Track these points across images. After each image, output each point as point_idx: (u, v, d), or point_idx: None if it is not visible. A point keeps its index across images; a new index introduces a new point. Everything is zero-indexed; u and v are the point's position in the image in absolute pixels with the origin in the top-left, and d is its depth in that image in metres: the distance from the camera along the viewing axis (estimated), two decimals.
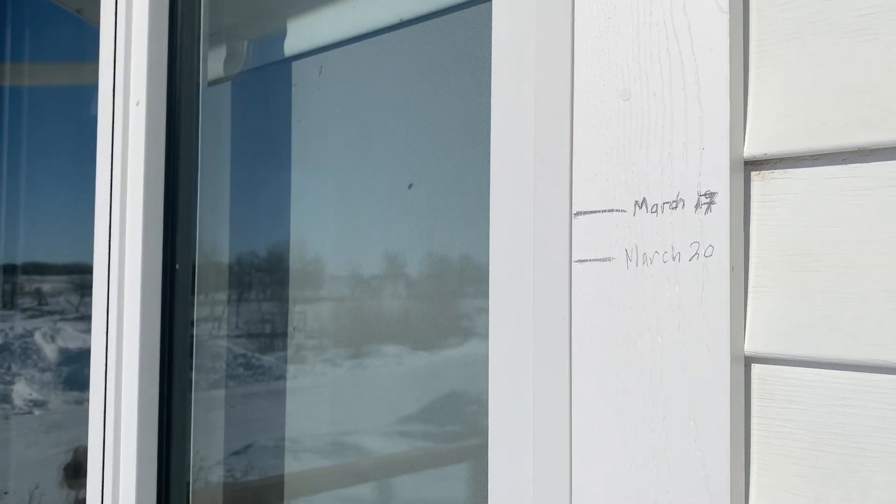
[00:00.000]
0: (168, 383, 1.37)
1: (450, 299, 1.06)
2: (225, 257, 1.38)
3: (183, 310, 1.34)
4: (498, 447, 0.78)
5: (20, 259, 2.90)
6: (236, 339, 1.46)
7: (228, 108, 1.36)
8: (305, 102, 1.25)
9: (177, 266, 1.28)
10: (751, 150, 0.66)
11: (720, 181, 0.65)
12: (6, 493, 2.87)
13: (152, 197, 1.27)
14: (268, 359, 1.44)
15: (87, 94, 1.87)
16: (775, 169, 0.66)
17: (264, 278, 1.39)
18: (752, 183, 0.67)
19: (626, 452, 0.69)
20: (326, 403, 1.26)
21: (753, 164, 0.67)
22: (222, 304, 1.42)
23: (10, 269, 2.97)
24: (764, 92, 0.66)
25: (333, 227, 1.22)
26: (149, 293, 1.29)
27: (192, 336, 1.39)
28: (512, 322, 0.77)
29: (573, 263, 0.73)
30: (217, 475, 1.46)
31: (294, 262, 1.29)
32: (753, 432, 0.67)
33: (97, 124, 1.32)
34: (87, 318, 2.79)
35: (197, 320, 1.39)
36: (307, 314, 1.30)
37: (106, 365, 1.38)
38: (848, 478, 0.62)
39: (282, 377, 1.34)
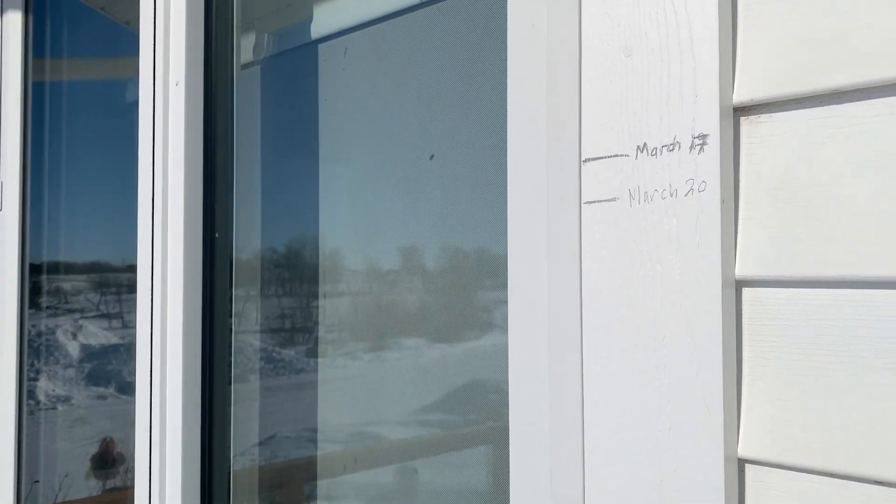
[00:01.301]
0: (209, 376, 1.47)
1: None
2: (259, 242, 1.49)
3: (221, 302, 1.46)
4: (517, 357, 0.89)
5: (44, 258, 2.98)
6: (269, 331, 1.57)
7: (259, 91, 1.47)
8: (332, 82, 1.36)
9: (216, 234, 1.40)
10: (739, 96, 0.76)
11: (711, 124, 0.75)
12: (36, 481, 2.96)
13: (192, 175, 1.39)
14: (319, 348, 1.53)
15: (113, 94, 1.98)
16: (761, 114, 0.76)
17: (299, 267, 1.49)
18: (741, 127, 0.77)
19: (632, 368, 0.80)
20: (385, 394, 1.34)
21: (742, 111, 0.77)
22: (255, 294, 1.52)
23: (35, 269, 3.05)
24: (750, 43, 0.76)
25: (364, 217, 1.32)
26: (191, 279, 1.40)
27: (231, 327, 1.50)
28: (529, 260, 0.87)
29: (583, 205, 0.83)
30: (254, 462, 1.56)
31: (328, 251, 1.39)
32: (744, 347, 0.77)
33: (136, 110, 1.44)
34: (107, 316, 2.91)
35: (234, 310, 1.50)
36: (341, 306, 1.39)
37: (151, 354, 1.48)
38: (825, 382, 0.72)
39: (333, 368, 1.43)
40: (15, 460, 2.36)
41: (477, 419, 1.13)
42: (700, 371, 0.76)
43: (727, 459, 0.75)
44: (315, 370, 1.44)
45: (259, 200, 1.47)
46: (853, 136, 0.71)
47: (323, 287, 1.40)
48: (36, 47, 2.13)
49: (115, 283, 2.46)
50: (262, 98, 1.46)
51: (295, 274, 1.50)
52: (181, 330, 1.43)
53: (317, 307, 1.42)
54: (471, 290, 1.15)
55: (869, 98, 0.70)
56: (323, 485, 1.44)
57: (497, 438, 1.09)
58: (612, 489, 0.81)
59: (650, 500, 0.79)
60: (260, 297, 1.52)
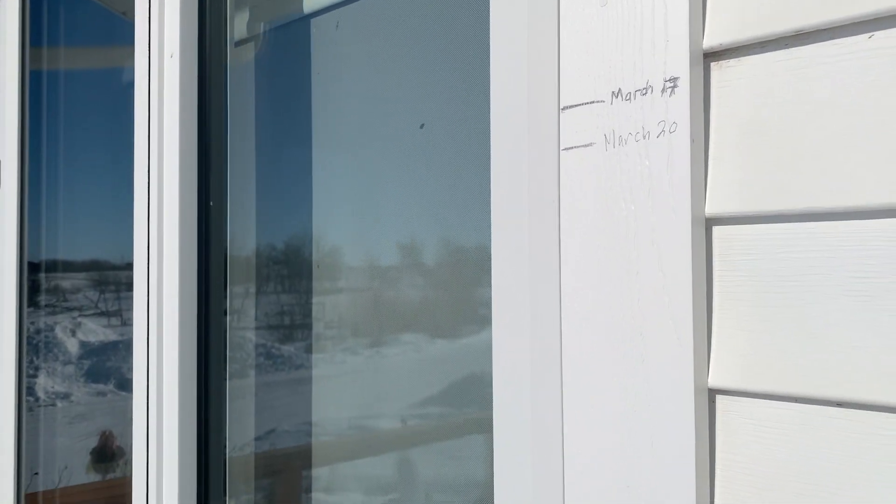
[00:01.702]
0: (205, 371, 1.52)
1: None
2: (253, 224, 1.53)
3: (217, 299, 1.50)
4: (499, 292, 0.93)
5: (42, 257, 3.00)
6: (265, 326, 1.60)
7: (252, 68, 1.51)
8: (324, 57, 1.41)
9: (210, 203, 1.44)
10: (709, 42, 0.81)
11: (681, 68, 0.79)
12: (35, 473, 2.99)
13: (187, 145, 1.43)
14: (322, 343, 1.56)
15: (111, 91, 2.01)
16: (730, 58, 0.80)
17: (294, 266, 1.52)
18: (711, 72, 0.81)
19: (606, 301, 0.83)
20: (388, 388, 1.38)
21: (712, 56, 0.81)
22: (251, 284, 1.56)
23: (34, 267, 3.06)
24: None
25: (360, 200, 1.36)
26: (186, 277, 1.44)
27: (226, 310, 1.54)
28: (510, 203, 0.91)
29: (561, 152, 0.87)
30: (249, 455, 1.59)
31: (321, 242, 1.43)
32: (715, 282, 0.80)
33: (132, 92, 1.48)
34: (106, 314, 2.94)
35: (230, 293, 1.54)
36: (339, 303, 1.43)
37: (148, 349, 1.52)
38: (790, 313, 0.76)
39: (332, 363, 1.47)
40: (15, 454, 2.38)
41: (474, 411, 1.16)
42: (671, 304, 0.80)
43: (697, 389, 0.79)
44: (310, 365, 1.48)
45: (253, 174, 1.51)
46: (815, 76, 0.75)
47: (317, 281, 1.44)
48: (33, 36, 2.16)
49: (115, 281, 2.49)
50: (255, 74, 1.51)
51: (291, 267, 1.54)
52: (177, 323, 1.47)
53: (311, 302, 1.46)
54: (469, 283, 1.19)
55: (831, 38, 0.74)
56: (318, 475, 1.48)
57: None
58: (586, 420, 0.85)
59: (623, 430, 0.82)
60: (256, 281, 1.56)
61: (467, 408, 1.19)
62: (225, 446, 1.56)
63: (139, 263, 1.53)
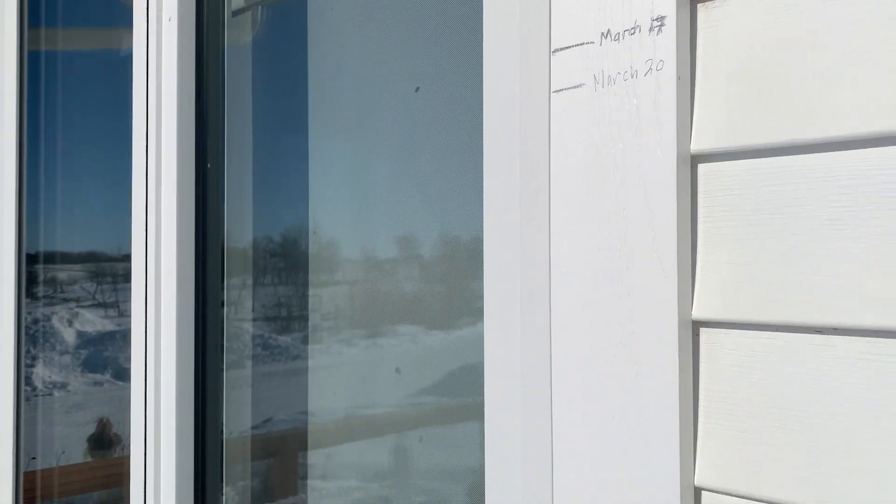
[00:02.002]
0: (202, 361, 1.54)
1: None
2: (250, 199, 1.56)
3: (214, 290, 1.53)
4: (491, 227, 0.95)
5: (40, 248, 3.01)
6: (261, 312, 1.63)
7: (249, 36, 1.54)
8: (321, 31, 1.43)
9: (208, 165, 1.46)
10: None
11: (668, 6, 0.81)
12: (33, 458, 3.00)
13: (185, 112, 1.45)
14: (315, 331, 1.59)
15: (111, 76, 2.03)
16: None
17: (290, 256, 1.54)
18: (697, 12, 0.84)
19: (594, 237, 0.85)
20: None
21: None
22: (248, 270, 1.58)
23: (32, 258, 3.07)
24: None
25: (356, 179, 1.38)
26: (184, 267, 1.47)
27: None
28: (503, 143, 0.93)
29: (552, 94, 0.89)
30: (246, 442, 1.62)
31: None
32: (700, 217, 0.82)
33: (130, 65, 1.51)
34: (103, 305, 2.96)
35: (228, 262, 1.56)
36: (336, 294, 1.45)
37: (146, 340, 1.54)
38: (771, 244, 0.78)
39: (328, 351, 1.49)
40: (14, 440, 2.40)
41: (470, 398, 1.18)
42: (656, 239, 0.82)
43: (682, 322, 0.81)
44: (306, 356, 1.50)
45: (250, 144, 1.54)
46: (797, 13, 0.77)
47: (314, 273, 1.46)
48: (31, 17, 2.17)
49: (112, 273, 2.51)
50: (252, 44, 1.53)
51: (288, 260, 1.57)
52: (174, 314, 1.50)
53: (308, 293, 1.49)
54: (468, 277, 1.21)
55: None
56: (313, 463, 1.49)
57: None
58: (573, 355, 0.87)
59: (609, 362, 0.84)
60: (253, 272, 1.59)
61: (463, 394, 1.21)
62: (222, 434, 1.58)
63: (137, 250, 1.56)
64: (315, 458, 1.50)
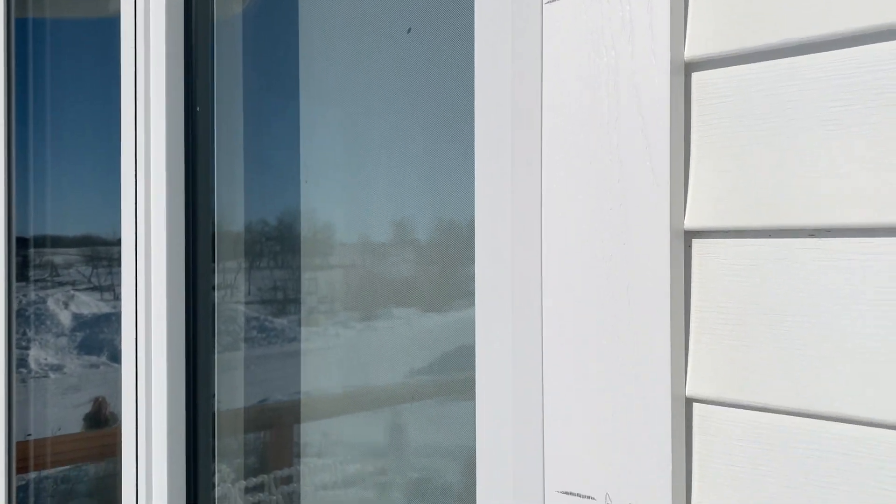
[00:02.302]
0: (194, 345, 1.54)
1: None
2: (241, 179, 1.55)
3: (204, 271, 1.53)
4: (482, 147, 0.94)
5: (35, 232, 3.01)
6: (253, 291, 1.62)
7: (240, 9, 1.53)
8: (312, 1, 1.42)
9: (197, 108, 1.45)
10: None
11: None
12: (29, 434, 3.00)
13: (174, 90, 1.46)
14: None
15: (95, 67, 2.01)
16: None
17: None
18: None
19: (586, 148, 0.84)
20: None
21: None
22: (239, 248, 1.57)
23: (26, 243, 3.07)
24: None
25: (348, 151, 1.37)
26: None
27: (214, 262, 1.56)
28: (495, 55, 0.92)
29: (544, 6, 0.88)
30: (239, 422, 1.62)
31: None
32: (693, 125, 0.81)
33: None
34: (98, 288, 2.96)
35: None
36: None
37: (136, 324, 1.54)
38: (760, 148, 0.76)
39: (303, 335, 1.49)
40: (6, 417, 2.39)
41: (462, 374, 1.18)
42: (649, 146, 0.80)
43: (673, 231, 0.80)
44: (299, 338, 1.49)
45: (241, 123, 1.53)
46: None
47: (306, 256, 1.46)
48: None
49: (107, 256, 2.51)
50: (242, 16, 1.53)
51: (279, 243, 1.56)
52: (165, 298, 1.50)
53: (301, 276, 1.48)
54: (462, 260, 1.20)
55: None
56: (305, 442, 1.49)
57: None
58: (564, 266, 0.85)
59: (600, 275, 0.83)
60: (245, 256, 1.58)
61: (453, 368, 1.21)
62: (214, 414, 1.58)
63: (127, 234, 1.56)
64: (307, 435, 1.50)
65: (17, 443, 2.61)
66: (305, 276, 1.45)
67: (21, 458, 2.58)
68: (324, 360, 1.45)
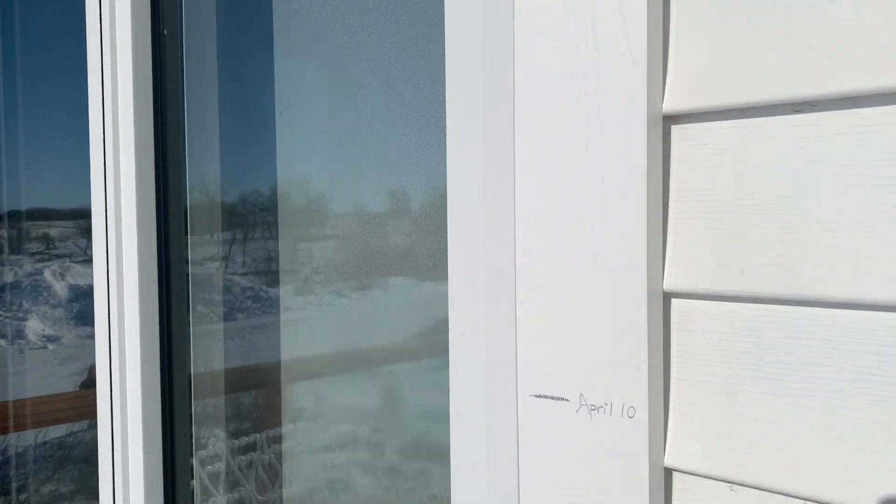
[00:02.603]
0: (167, 316, 1.52)
1: None
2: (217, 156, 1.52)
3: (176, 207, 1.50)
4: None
5: (26, 205, 3.00)
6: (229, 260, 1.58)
7: None
8: None
9: (164, 31, 1.41)
10: None
11: None
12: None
13: (140, 56, 1.42)
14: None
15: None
16: None
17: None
18: None
19: (560, 29, 0.79)
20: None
21: None
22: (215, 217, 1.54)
23: (19, 216, 3.07)
24: None
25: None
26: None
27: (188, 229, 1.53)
28: None
29: None
30: (219, 387, 1.60)
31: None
32: (672, 5, 0.76)
33: None
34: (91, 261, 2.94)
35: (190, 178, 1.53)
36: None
37: (108, 296, 1.52)
38: (747, 21, 0.71)
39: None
40: None
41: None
42: (626, 24, 0.75)
43: (651, 116, 0.75)
44: (277, 309, 1.47)
45: (213, 89, 1.50)
46: None
47: (283, 227, 1.43)
48: None
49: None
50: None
51: (257, 209, 1.54)
52: (136, 269, 1.47)
53: (277, 247, 1.45)
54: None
55: None
56: (285, 404, 1.48)
57: None
58: (537, 151, 0.81)
59: (575, 163, 0.78)
60: (220, 212, 1.56)
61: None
62: (189, 378, 1.56)
63: (97, 209, 1.53)
64: (287, 398, 1.48)
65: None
66: (286, 246, 1.43)
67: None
68: (304, 328, 1.43)
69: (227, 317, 1.60)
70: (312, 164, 1.36)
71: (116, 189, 1.47)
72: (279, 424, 1.49)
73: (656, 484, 0.74)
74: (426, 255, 1.17)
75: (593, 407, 0.75)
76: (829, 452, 0.67)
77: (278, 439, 1.50)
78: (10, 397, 2.83)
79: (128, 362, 1.50)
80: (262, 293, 1.58)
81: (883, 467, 0.64)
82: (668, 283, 0.75)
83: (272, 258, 1.47)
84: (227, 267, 1.59)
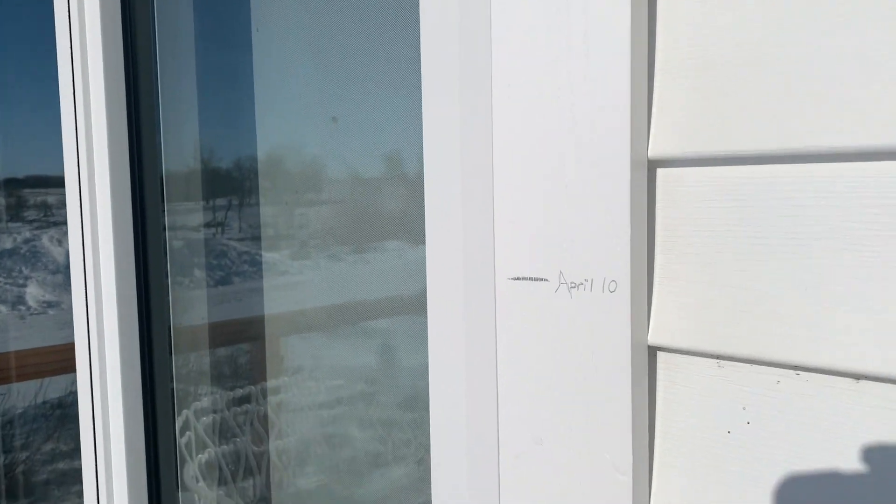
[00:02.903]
0: (146, 286, 1.50)
1: None
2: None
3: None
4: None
5: (23, 173, 3.00)
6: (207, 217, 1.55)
7: None
8: None
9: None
10: None
11: None
12: None
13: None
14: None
15: None
16: None
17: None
18: None
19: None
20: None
21: None
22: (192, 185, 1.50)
23: (17, 183, 3.08)
24: None
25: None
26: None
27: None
28: None
29: None
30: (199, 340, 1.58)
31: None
32: None
33: None
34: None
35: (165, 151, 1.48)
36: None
37: (84, 270, 1.50)
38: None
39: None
40: None
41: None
42: None
43: None
44: (259, 276, 1.45)
45: (188, 54, 1.46)
46: None
47: (263, 194, 1.39)
48: None
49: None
50: None
51: (231, 178, 1.50)
52: (112, 240, 1.45)
53: (258, 212, 1.42)
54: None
55: None
56: (268, 354, 1.47)
57: None
58: (516, 49, 0.76)
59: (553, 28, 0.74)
60: (200, 194, 1.53)
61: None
62: (169, 330, 1.53)
63: (70, 179, 1.51)
64: (271, 351, 1.47)
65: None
66: (267, 211, 1.40)
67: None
68: (287, 290, 1.40)
69: (209, 278, 1.59)
70: (291, 127, 1.32)
71: (89, 155, 1.45)
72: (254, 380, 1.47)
73: (639, 363, 0.70)
74: (410, 221, 1.14)
75: (573, 284, 0.71)
76: (822, 317, 0.62)
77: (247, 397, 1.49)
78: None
79: (106, 332, 1.48)
80: (246, 256, 1.56)
81: (878, 328, 0.60)
82: (653, 151, 0.70)
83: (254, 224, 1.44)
84: (209, 229, 1.57)
